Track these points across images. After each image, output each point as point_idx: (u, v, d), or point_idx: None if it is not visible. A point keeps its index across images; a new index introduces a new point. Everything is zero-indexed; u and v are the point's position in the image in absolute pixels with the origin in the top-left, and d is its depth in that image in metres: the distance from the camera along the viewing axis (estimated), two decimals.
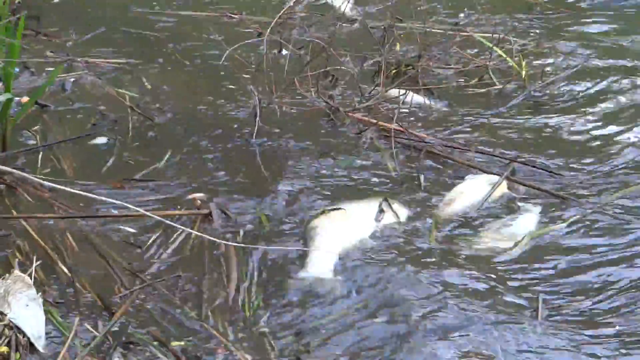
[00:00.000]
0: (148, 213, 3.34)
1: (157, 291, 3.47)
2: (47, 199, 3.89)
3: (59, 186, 3.10)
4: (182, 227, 3.45)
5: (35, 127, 4.50)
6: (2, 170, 3.26)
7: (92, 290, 3.42)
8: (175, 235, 3.74)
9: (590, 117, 5.02)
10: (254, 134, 4.53)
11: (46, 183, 3.24)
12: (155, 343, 3.18)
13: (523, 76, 5.21)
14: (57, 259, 3.54)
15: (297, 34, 5.29)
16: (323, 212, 3.88)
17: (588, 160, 4.55)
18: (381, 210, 3.90)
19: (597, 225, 4.01)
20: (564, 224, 3.99)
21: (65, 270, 3.50)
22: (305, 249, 3.66)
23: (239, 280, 3.54)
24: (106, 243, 3.71)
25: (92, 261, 3.60)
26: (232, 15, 5.76)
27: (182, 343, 3.19)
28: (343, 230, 3.78)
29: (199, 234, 3.54)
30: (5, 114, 4.15)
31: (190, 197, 4.00)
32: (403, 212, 3.98)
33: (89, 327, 3.20)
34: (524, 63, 5.25)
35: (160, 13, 6.07)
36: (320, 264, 3.60)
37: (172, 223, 3.34)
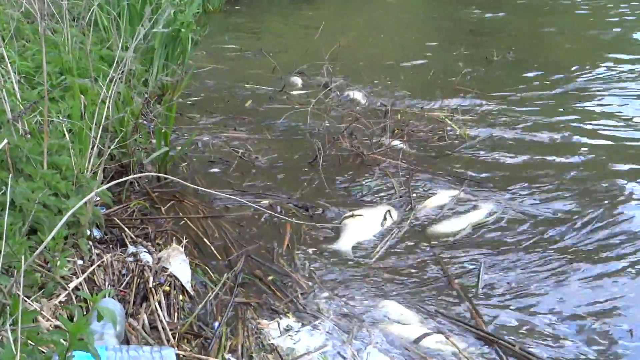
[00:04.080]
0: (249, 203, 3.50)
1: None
2: (197, 206, 3.97)
3: (201, 188, 3.21)
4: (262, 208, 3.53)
5: (183, 164, 4.56)
6: (176, 181, 3.29)
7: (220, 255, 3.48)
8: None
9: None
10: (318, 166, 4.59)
11: (198, 187, 3.22)
12: (257, 280, 3.27)
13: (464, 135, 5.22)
14: (203, 239, 3.62)
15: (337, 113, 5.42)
16: (351, 216, 3.91)
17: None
18: (385, 218, 3.92)
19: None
20: (492, 218, 3.96)
21: (209, 244, 3.58)
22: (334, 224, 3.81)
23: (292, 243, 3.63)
24: (228, 225, 3.79)
25: (218, 239, 3.65)
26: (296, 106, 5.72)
27: (271, 278, 3.27)
28: (361, 228, 3.83)
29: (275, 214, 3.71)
30: (165, 158, 4.25)
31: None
32: (395, 216, 4.00)
33: (214, 276, 3.25)
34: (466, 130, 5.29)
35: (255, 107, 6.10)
36: (345, 243, 3.68)
37: (260, 207, 3.52)
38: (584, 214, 3.93)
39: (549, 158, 4.81)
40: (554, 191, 4.26)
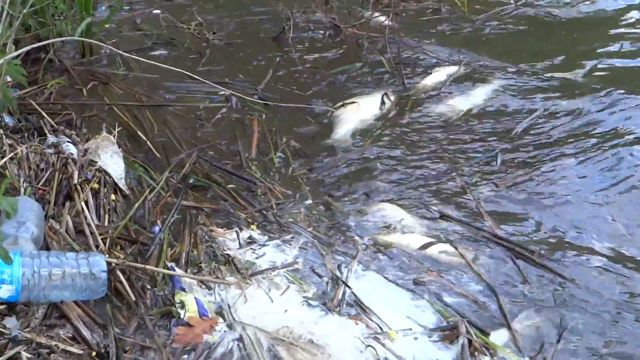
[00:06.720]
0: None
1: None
2: (130, 91, 3.96)
3: (139, 57, 3.24)
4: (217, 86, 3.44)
5: (113, 40, 4.47)
6: (102, 45, 3.45)
7: (162, 153, 3.45)
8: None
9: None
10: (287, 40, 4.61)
11: (140, 59, 3.18)
12: (214, 184, 3.24)
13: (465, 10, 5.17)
14: (136, 130, 3.57)
15: None
16: (342, 105, 3.99)
17: None
18: (383, 102, 4.00)
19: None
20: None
21: (143, 137, 3.53)
22: (321, 107, 3.98)
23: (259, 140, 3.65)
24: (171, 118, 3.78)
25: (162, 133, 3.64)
26: None
27: (233, 185, 3.25)
28: (356, 116, 3.90)
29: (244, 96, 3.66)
30: (89, 31, 4.16)
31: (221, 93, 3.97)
32: (394, 98, 4.08)
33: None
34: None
35: None
36: (343, 133, 3.77)
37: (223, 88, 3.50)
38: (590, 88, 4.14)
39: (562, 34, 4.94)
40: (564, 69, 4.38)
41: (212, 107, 3.90)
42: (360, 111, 3.94)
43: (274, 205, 3.10)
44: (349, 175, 3.42)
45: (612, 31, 4.92)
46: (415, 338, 2.37)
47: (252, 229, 2.92)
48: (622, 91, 4.01)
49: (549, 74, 4.31)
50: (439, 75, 4.28)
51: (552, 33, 4.95)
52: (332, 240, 2.89)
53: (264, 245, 2.82)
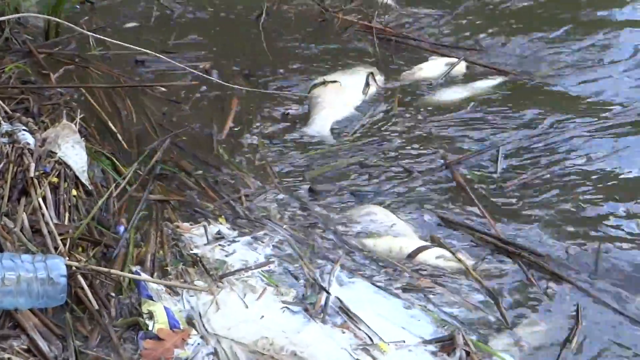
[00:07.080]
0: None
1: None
2: (108, 73, 3.90)
3: (107, 39, 3.32)
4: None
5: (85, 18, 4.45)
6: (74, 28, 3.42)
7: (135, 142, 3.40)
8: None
9: None
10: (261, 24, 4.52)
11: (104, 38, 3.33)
12: (182, 173, 3.18)
13: None
14: (106, 120, 3.50)
15: None
16: (323, 83, 3.89)
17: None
18: (367, 84, 3.92)
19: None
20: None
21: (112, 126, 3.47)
22: (284, 92, 3.85)
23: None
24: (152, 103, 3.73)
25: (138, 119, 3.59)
26: None
27: (201, 172, 3.19)
28: (338, 99, 3.80)
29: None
30: (58, 8, 4.07)
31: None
32: (381, 80, 4.02)
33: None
34: None
35: None
36: (321, 123, 3.65)
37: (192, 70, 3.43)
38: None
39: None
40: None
41: (191, 85, 3.85)
42: (342, 93, 3.83)
43: (244, 198, 3.03)
44: (324, 171, 3.34)
45: None
46: (410, 350, 2.26)
47: (221, 223, 2.85)
48: None
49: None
50: (436, 64, 4.20)
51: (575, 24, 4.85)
52: (309, 240, 2.80)
53: (233, 241, 2.75)
